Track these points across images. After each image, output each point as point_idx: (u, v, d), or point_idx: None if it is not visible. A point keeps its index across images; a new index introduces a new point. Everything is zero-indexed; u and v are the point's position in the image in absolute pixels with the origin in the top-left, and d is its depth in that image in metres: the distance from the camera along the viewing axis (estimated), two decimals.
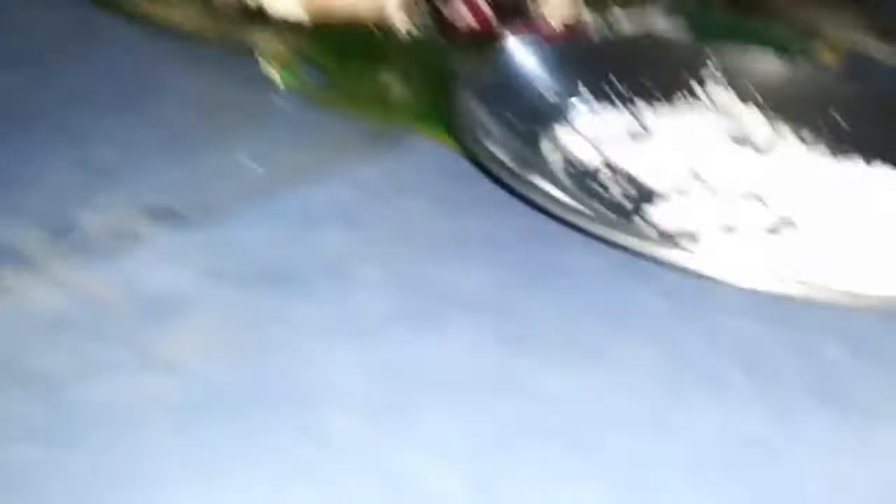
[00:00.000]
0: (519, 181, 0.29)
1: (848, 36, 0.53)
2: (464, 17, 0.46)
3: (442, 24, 0.46)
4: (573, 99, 0.39)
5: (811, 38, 0.52)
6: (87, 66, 0.37)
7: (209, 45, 0.40)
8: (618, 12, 0.51)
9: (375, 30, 0.45)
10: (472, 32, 0.46)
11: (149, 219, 0.28)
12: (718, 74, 0.43)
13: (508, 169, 0.29)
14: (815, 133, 0.40)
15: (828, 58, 0.52)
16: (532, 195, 0.29)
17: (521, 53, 0.38)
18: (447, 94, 0.33)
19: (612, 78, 0.41)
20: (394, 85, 0.42)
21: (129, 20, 0.42)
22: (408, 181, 0.32)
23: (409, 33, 0.46)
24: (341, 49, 0.43)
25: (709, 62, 0.43)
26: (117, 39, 0.40)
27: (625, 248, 0.27)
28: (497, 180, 0.30)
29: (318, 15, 0.44)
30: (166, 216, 0.28)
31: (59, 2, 0.42)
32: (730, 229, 0.33)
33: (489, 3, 0.46)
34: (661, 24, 0.50)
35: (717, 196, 0.35)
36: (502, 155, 0.30)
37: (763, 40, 0.51)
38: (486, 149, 0.30)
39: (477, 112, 0.33)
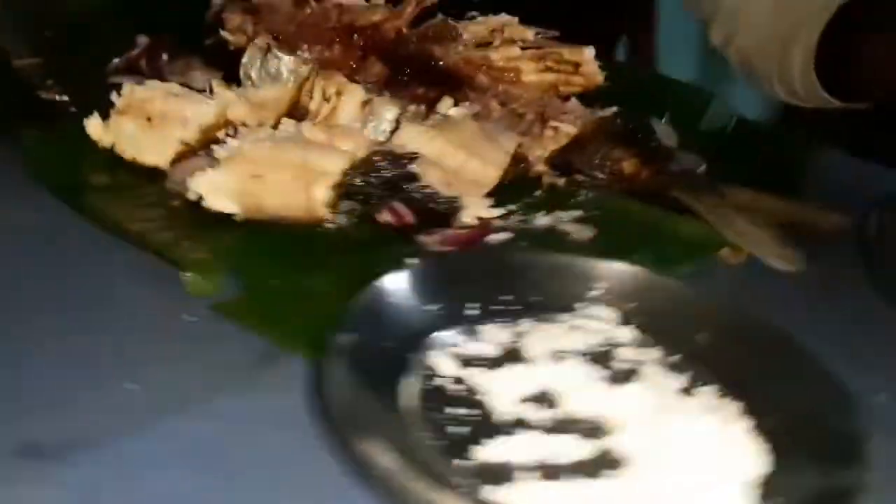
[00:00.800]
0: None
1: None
2: (389, 218, 0.52)
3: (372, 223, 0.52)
4: (451, 322, 0.43)
5: (719, 235, 0.56)
6: None
7: (148, 251, 0.46)
8: (538, 215, 0.55)
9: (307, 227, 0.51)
10: (396, 231, 0.51)
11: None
12: (604, 295, 0.47)
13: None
14: (681, 361, 0.44)
15: (731, 256, 0.56)
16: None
17: (399, 282, 0.43)
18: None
19: (498, 296, 0.45)
20: (315, 292, 0.46)
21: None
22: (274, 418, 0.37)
23: (338, 230, 0.51)
24: (270, 250, 0.48)
25: (597, 283, 0.47)
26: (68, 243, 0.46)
27: None
28: None
29: (251, 210, 0.50)
30: (32, 454, 0.33)
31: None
32: (551, 471, 0.36)
33: (413, 211, 0.51)
34: (571, 228, 0.55)
35: (552, 433, 0.39)
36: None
37: (672, 239, 0.55)
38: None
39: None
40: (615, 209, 0.58)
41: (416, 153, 0.53)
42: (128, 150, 0.55)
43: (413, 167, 0.52)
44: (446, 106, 0.62)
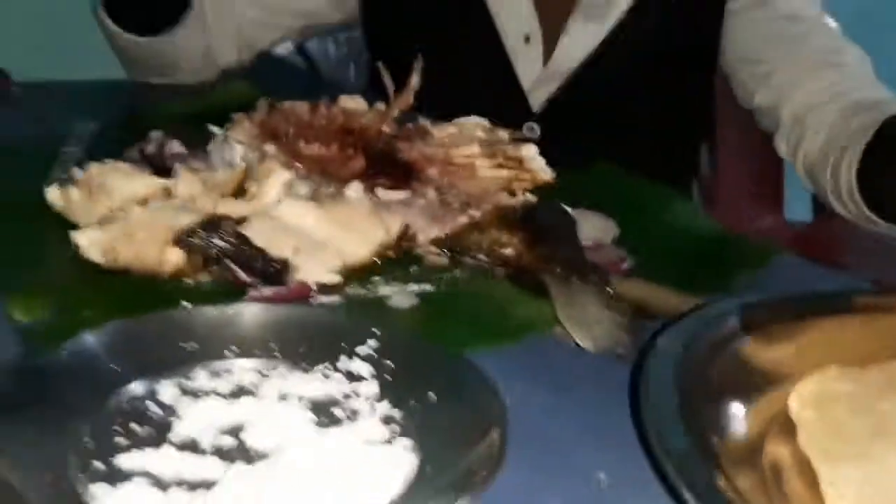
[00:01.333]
0: None
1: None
2: (228, 276, 0.58)
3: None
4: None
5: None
6: None
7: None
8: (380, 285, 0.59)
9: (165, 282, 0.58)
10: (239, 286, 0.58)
11: None
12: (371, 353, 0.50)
13: None
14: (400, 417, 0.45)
15: (563, 336, 0.55)
16: None
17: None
18: None
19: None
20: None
21: None
22: None
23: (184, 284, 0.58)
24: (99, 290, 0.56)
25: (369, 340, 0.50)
26: None
27: None
28: None
29: (113, 262, 0.58)
30: None
31: None
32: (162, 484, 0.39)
33: (247, 270, 0.57)
34: (399, 297, 0.57)
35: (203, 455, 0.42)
36: None
37: (500, 315, 0.56)
38: None
39: None
40: (462, 286, 0.60)
41: (242, 217, 0.59)
42: (70, 214, 0.66)
43: (253, 223, 0.58)
44: (353, 188, 0.68)
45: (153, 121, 0.84)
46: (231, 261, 0.57)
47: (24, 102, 1.01)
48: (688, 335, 0.47)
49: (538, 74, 0.99)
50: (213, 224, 0.58)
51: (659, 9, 0.93)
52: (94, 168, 0.67)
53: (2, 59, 1.04)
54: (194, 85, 1.04)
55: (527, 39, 0.98)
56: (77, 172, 0.68)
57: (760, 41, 0.96)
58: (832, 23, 1.00)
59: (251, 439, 0.43)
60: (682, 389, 0.41)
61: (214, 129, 0.75)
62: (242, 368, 0.49)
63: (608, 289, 0.59)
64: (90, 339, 0.47)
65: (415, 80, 0.77)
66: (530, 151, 0.73)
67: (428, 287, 0.59)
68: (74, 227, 0.61)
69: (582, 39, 0.96)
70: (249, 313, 0.52)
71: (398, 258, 0.63)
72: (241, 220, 0.59)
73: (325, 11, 1.09)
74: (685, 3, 0.74)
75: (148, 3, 0.93)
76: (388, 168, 0.76)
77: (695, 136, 1.08)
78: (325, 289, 0.58)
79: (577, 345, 0.55)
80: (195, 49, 0.99)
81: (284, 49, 1.36)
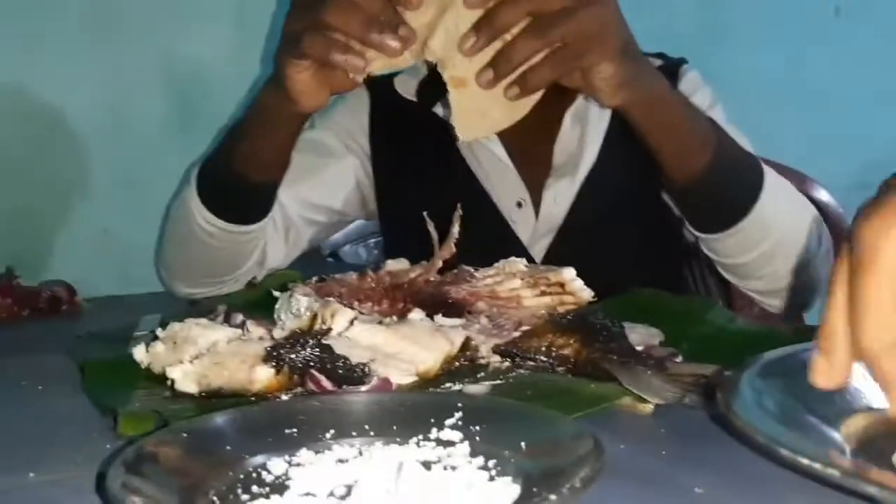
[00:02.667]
0: None
1: None
2: (312, 386, 0.62)
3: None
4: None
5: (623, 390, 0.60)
6: None
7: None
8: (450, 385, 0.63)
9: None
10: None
11: None
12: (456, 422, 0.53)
13: None
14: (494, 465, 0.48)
15: (632, 407, 0.59)
16: None
17: None
18: None
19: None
20: None
21: None
22: None
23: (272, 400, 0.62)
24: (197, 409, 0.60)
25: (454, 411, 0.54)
26: None
27: None
28: None
29: (205, 388, 0.63)
30: None
31: None
32: None
33: (331, 378, 0.62)
34: (471, 388, 0.61)
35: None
36: None
37: (572, 394, 0.60)
38: None
39: None
40: (528, 378, 0.64)
41: (326, 329, 0.64)
42: (155, 366, 0.71)
43: (330, 342, 0.63)
44: (415, 313, 0.73)
45: (213, 310, 0.90)
46: (317, 370, 0.61)
47: (92, 315, 1.08)
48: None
49: (532, 231, 1.12)
50: (297, 337, 0.63)
51: (620, 159, 1.05)
52: (176, 325, 0.73)
53: (67, 276, 1.13)
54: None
55: (519, 205, 1.13)
56: (159, 332, 0.74)
57: None
58: None
59: (364, 488, 0.46)
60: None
61: (277, 293, 0.81)
62: (342, 447, 0.52)
63: (667, 368, 0.64)
64: (213, 420, 0.51)
65: (455, 230, 0.85)
66: (570, 274, 0.80)
67: (498, 381, 0.63)
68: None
69: (561, 196, 1.10)
70: (345, 402, 0.56)
71: (464, 367, 0.68)
72: (322, 335, 0.64)
73: (352, 210, 1.22)
74: (642, 152, 0.86)
75: (246, 198, 1.01)
76: (439, 308, 0.82)
77: (677, 257, 1.18)
78: (403, 389, 0.62)
79: (647, 413, 0.58)
80: (258, 247, 1.08)
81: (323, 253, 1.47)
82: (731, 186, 0.91)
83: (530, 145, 1.12)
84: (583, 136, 1.11)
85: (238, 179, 0.97)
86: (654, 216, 1.08)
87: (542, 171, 1.12)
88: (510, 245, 1.10)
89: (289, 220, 1.13)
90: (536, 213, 1.12)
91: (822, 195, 1.45)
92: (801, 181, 1.42)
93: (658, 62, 1.14)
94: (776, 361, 0.52)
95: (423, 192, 1.11)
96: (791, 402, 0.46)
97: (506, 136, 1.11)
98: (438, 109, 1.15)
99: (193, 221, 1.01)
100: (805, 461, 0.36)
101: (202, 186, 1.00)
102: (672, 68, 1.15)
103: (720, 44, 1.77)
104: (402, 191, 1.17)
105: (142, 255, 1.25)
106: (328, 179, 1.16)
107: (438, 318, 0.76)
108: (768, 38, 1.80)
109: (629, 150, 0.90)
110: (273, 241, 1.11)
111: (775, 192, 0.92)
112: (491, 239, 1.11)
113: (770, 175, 0.93)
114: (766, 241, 0.93)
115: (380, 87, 1.19)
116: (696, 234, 0.95)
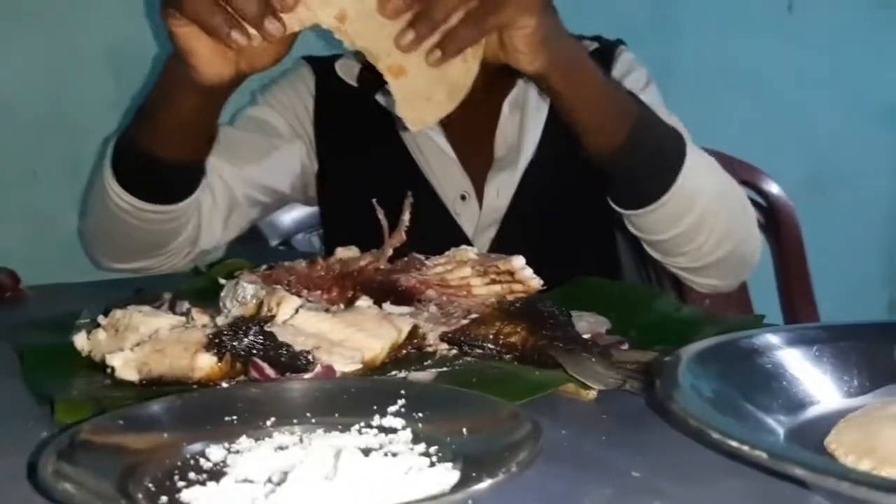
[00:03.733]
0: None
1: None
2: (255, 374, 0.62)
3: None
4: None
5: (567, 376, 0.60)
6: None
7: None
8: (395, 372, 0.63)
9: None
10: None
11: None
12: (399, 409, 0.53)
13: None
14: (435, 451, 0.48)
15: (575, 393, 0.59)
16: None
17: None
18: None
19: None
20: None
21: None
22: None
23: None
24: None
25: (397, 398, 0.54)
26: None
27: None
28: None
29: (146, 375, 0.62)
30: None
31: None
32: None
33: (274, 366, 0.61)
34: (416, 375, 0.61)
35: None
36: None
37: (518, 381, 0.60)
38: None
39: None
40: (474, 365, 0.64)
41: (270, 316, 0.64)
42: (96, 354, 0.70)
43: (274, 329, 0.62)
44: (363, 300, 0.73)
45: (158, 298, 0.89)
46: (259, 358, 0.61)
47: (36, 303, 1.06)
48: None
49: (476, 224, 1.13)
50: (240, 325, 0.62)
51: (560, 149, 1.02)
52: (118, 312, 0.72)
53: (11, 264, 1.11)
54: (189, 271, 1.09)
55: (463, 198, 1.13)
56: (101, 319, 0.73)
57: None
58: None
59: (301, 474, 0.46)
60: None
61: (223, 280, 0.80)
62: (282, 434, 0.52)
63: (612, 356, 0.64)
64: (150, 407, 0.51)
65: (406, 217, 0.85)
66: (519, 262, 0.80)
67: (444, 369, 0.63)
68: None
69: (503, 188, 1.12)
70: (286, 389, 0.55)
71: (411, 355, 0.68)
72: (265, 322, 0.63)
73: (296, 194, 1.21)
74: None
75: (160, 177, 0.96)
76: (388, 297, 0.81)
77: (615, 246, 1.19)
78: (347, 377, 0.62)
79: (590, 399, 0.59)
80: (185, 226, 1.03)
81: (272, 244, 1.45)
82: (652, 161, 0.90)
83: (473, 136, 1.13)
84: (522, 125, 1.12)
85: (146, 156, 0.91)
86: (595, 205, 1.08)
87: (484, 163, 1.13)
88: (454, 237, 1.08)
89: (234, 199, 1.10)
90: (480, 205, 1.12)
91: (773, 188, 1.47)
92: (751, 173, 1.44)
93: (594, 45, 1.15)
94: (714, 348, 0.53)
95: (367, 181, 1.10)
96: (726, 389, 0.47)
97: (449, 128, 1.12)
98: (380, 97, 1.13)
99: (108, 198, 0.96)
100: (734, 444, 0.37)
101: (116, 162, 0.94)
102: (608, 50, 1.15)
103: (673, 38, 1.79)
104: (344, 179, 1.17)
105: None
106: (278, 161, 1.14)
107: (387, 305, 0.76)
108: (722, 32, 1.82)
109: (568, 139, 0.90)
110: (211, 221, 1.08)
111: (697, 167, 0.92)
112: (434, 231, 1.09)
113: (693, 151, 0.92)
114: (688, 216, 0.92)
115: (325, 69, 1.18)
116: (619, 210, 0.95)
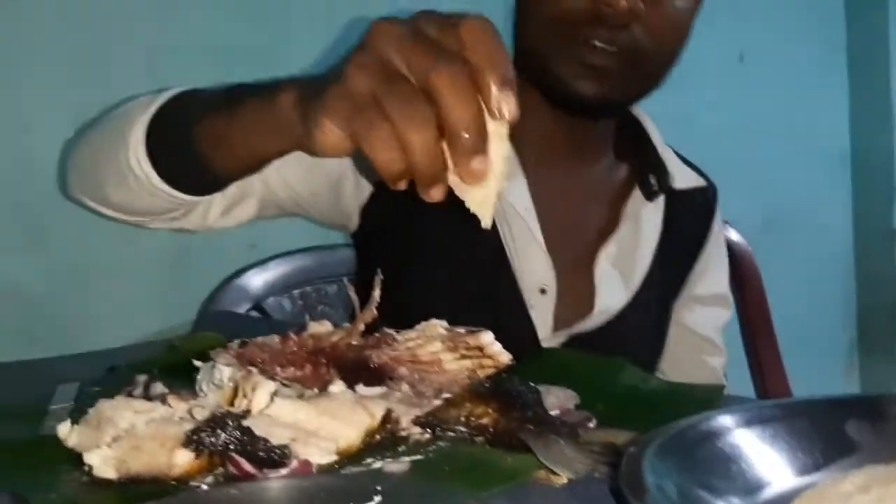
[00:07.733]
0: None
1: None
2: (233, 469, 0.63)
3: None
4: None
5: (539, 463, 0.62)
6: None
7: None
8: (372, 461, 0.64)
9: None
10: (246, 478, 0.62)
11: None
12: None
13: None
14: None
15: (547, 479, 0.61)
16: None
17: None
18: None
19: None
20: None
21: None
22: None
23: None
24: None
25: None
26: None
27: None
28: None
29: (125, 473, 0.63)
30: None
31: None
32: None
33: (252, 461, 0.63)
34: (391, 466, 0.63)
35: None
36: None
37: (490, 468, 0.62)
38: None
39: None
40: (447, 450, 0.66)
41: (246, 411, 0.65)
42: (77, 446, 0.70)
43: (250, 422, 0.64)
44: (336, 386, 0.74)
45: (131, 374, 0.89)
46: (237, 453, 0.62)
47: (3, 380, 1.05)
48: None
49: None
50: (218, 420, 0.63)
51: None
52: (101, 404, 0.73)
53: None
54: (162, 341, 1.10)
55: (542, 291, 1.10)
56: (89, 412, 0.73)
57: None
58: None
59: None
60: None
61: (198, 363, 0.81)
62: None
63: (579, 436, 0.66)
64: None
65: (376, 294, 0.86)
66: (488, 338, 0.82)
67: (417, 456, 0.65)
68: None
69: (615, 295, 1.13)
70: (264, 489, 0.57)
71: (385, 441, 0.69)
72: (243, 416, 0.65)
73: (313, 209, 1.14)
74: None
75: (194, 174, 0.86)
76: (361, 375, 0.83)
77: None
78: (323, 469, 0.63)
79: (560, 486, 0.61)
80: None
81: (242, 308, 1.46)
82: None
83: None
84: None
85: (195, 153, 0.80)
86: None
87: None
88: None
89: (250, 187, 1.03)
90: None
91: (732, 234, 1.51)
92: None
93: (701, 182, 1.23)
94: (675, 436, 0.55)
95: (442, 241, 1.07)
96: (688, 483, 0.49)
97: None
98: None
99: (123, 152, 0.86)
100: None
101: (155, 124, 0.84)
102: (713, 195, 1.24)
103: None
104: (412, 229, 1.09)
105: (50, 315, 1.22)
106: (314, 166, 1.06)
107: (360, 388, 0.77)
108: (675, 83, 1.87)
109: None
110: (213, 205, 1.01)
111: None
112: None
113: None
114: None
115: None
116: None
